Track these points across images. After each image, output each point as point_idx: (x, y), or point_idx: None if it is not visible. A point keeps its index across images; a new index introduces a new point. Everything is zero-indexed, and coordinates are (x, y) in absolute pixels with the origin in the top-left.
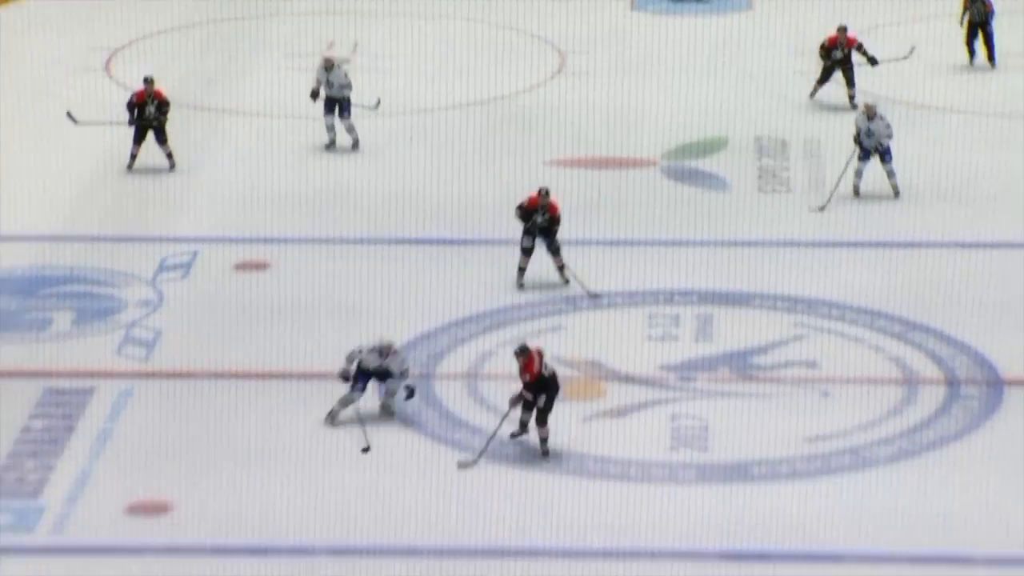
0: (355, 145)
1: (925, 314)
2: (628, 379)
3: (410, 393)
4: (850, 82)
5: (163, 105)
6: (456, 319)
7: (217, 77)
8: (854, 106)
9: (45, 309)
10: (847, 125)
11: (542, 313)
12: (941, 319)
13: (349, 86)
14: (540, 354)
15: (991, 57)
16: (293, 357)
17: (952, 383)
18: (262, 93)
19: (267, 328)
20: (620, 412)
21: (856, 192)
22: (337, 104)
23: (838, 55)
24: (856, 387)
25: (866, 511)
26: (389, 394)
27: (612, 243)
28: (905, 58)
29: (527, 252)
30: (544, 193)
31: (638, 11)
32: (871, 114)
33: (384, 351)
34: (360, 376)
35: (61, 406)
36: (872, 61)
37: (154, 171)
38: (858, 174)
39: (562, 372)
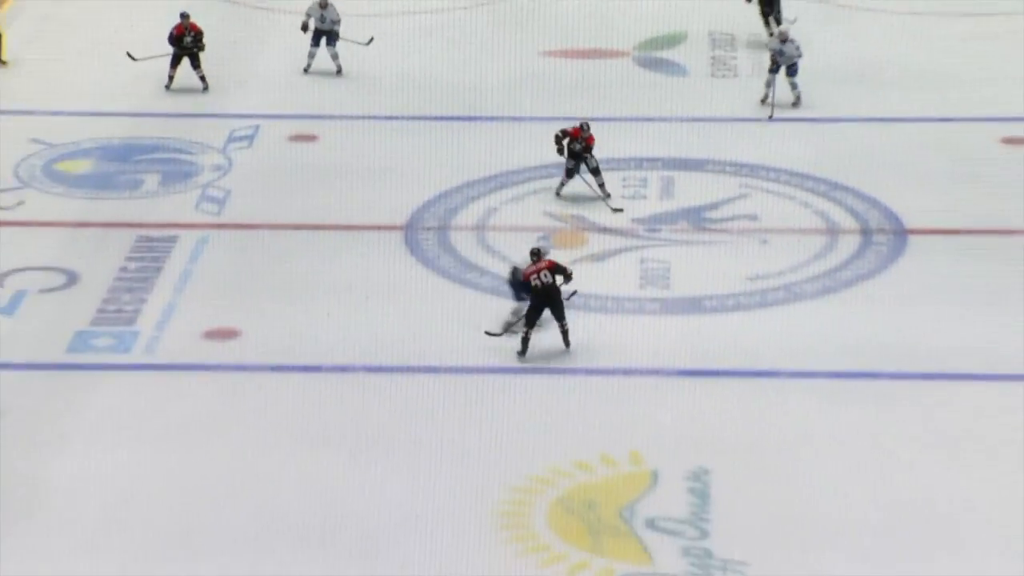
0: (338, 71)
1: (844, 176)
2: (605, 230)
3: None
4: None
5: (198, 35)
6: (467, 181)
7: None
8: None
9: (137, 172)
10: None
11: (536, 177)
12: (857, 180)
13: (339, 21)
14: (546, 265)
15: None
16: (338, 212)
17: (866, 232)
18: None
19: (316, 188)
20: (599, 257)
21: (763, 100)
22: (325, 36)
23: None
24: (789, 236)
25: (796, 336)
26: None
27: (593, 119)
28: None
29: (569, 173)
30: (585, 127)
31: None
32: (784, 39)
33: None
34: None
35: (151, 251)
36: None
37: (218, 59)
38: (768, 84)
39: (551, 225)
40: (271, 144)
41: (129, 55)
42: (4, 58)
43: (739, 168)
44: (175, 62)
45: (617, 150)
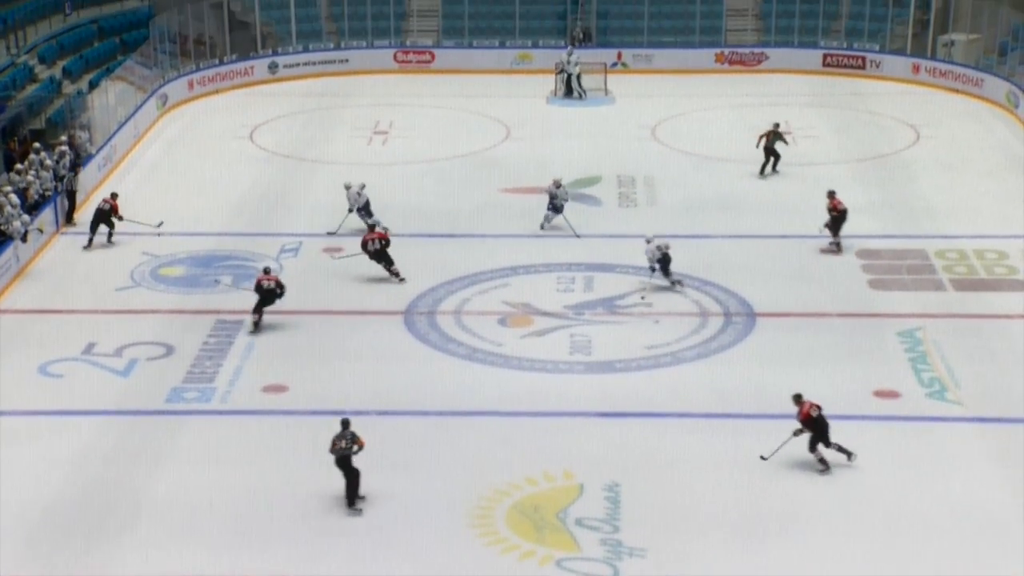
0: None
1: (712, 276)
2: (546, 313)
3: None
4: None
5: (280, 287)
6: (448, 280)
7: (313, 140)
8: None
9: (216, 274)
10: (670, 169)
11: (497, 276)
12: (720, 278)
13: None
14: (813, 404)
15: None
16: (356, 302)
17: (727, 315)
18: (337, 150)
19: (341, 285)
20: (541, 333)
21: (542, 227)
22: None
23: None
24: (674, 317)
25: (680, 388)
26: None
27: (536, 236)
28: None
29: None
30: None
31: (551, 105)
32: (558, 184)
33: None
34: None
35: (225, 330)
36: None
37: (276, 194)
38: (548, 219)
39: (506, 310)
40: (311, 254)
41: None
42: (74, 220)
43: (638, 270)
44: (257, 308)
45: (554, 258)
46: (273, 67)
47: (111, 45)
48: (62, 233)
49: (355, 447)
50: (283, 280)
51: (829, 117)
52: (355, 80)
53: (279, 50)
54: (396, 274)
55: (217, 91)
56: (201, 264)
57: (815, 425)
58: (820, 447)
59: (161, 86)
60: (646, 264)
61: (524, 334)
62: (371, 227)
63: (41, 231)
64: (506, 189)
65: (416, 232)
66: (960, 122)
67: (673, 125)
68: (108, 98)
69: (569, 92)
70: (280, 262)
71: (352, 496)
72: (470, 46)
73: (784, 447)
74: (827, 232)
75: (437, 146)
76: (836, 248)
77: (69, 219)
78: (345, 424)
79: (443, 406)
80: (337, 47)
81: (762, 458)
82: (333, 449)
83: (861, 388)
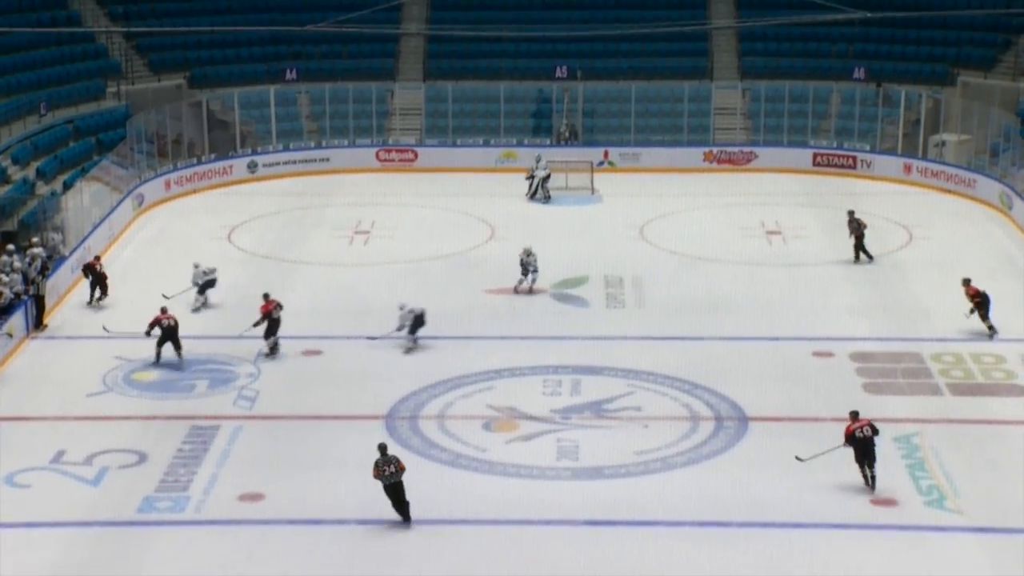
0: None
1: (702, 378)
2: (531, 418)
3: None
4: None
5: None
6: (432, 383)
7: (293, 241)
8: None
9: (191, 379)
10: (658, 269)
11: (481, 380)
12: (711, 381)
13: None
14: (863, 425)
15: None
16: (337, 406)
17: (718, 419)
18: (317, 251)
19: (322, 389)
20: (527, 437)
21: (515, 290)
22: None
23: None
24: (663, 422)
25: (670, 495)
26: None
27: (522, 338)
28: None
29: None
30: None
31: (535, 204)
32: (528, 252)
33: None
34: None
35: (200, 437)
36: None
37: (254, 297)
38: (521, 282)
39: (490, 415)
40: (289, 357)
41: (164, 295)
42: (43, 324)
43: (627, 373)
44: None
45: (539, 360)
46: (252, 166)
47: (87, 145)
48: (32, 338)
49: (402, 472)
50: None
51: (820, 217)
52: (336, 179)
53: (259, 149)
54: (180, 355)
55: (195, 191)
56: (177, 369)
57: (855, 444)
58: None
59: (137, 186)
60: (629, 366)
61: (509, 439)
62: (163, 310)
63: (10, 335)
64: (490, 290)
65: (398, 335)
66: (954, 223)
67: (661, 224)
68: (83, 199)
69: (535, 194)
70: (258, 365)
71: (407, 511)
72: (454, 144)
73: (823, 456)
74: (976, 317)
75: (420, 246)
76: (992, 332)
77: (39, 324)
78: (384, 449)
79: (425, 514)
80: (318, 146)
81: (798, 459)
82: (381, 476)
83: (858, 496)
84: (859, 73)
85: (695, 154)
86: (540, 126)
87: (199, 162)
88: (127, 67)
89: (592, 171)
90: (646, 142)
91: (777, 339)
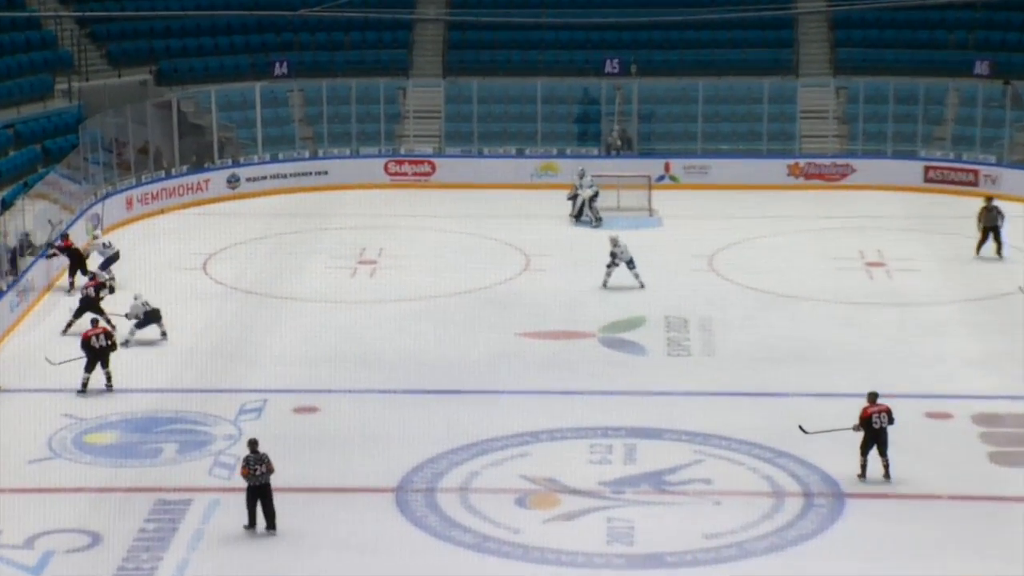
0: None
1: (787, 444)
2: (576, 492)
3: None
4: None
5: (112, 341)
6: (452, 448)
7: (282, 272)
8: None
9: (157, 442)
10: (731, 309)
11: (513, 444)
12: (799, 448)
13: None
14: (881, 411)
15: (999, 251)
16: (335, 476)
17: (807, 495)
18: (312, 285)
19: (317, 455)
20: (570, 516)
21: (604, 285)
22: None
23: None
24: (739, 498)
25: None
26: None
27: (563, 393)
28: None
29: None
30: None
31: (581, 228)
32: (615, 242)
33: None
34: None
35: (167, 513)
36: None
37: (234, 341)
38: (608, 275)
39: (525, 487)
40: (277, 416)
41: (48, 360)
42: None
43: (693, 437)
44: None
45: (586, 420)
46: (233, 181)
47: (30, 154)
48: None
49: (270, 474)
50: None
51: (933, 245)
52: (336, 196)
53: (241, 160)
54: (109, 377)
55: (163, 211)
56: (138, 429)
57: (868, 430)
58: (869, 455)
59: (92, 204)
60: (696, 428)
61: (548, 518)
62: (94, 322)
63: None
64: (525, 333)
65: (411, 387)
66: None
67: (735, 253)
68: (24, 220)
69: (580, 216)
70: (239, 425)
71: (274, 520)
72: (480, 154)
73: (830, 433)
74: None
75: (438, 279)
76: None
77: None
78: (254, 445)
79: None
80: (314, 156)
81: (801, 429)
82: (251, 476)
83: None
84: (981, 68)
85: (777, 167)
86: (586, 132)
87: (168, 175)
88: (80, 59)
89: (650, 188)
90: (716, 152)
91: (884, 396)
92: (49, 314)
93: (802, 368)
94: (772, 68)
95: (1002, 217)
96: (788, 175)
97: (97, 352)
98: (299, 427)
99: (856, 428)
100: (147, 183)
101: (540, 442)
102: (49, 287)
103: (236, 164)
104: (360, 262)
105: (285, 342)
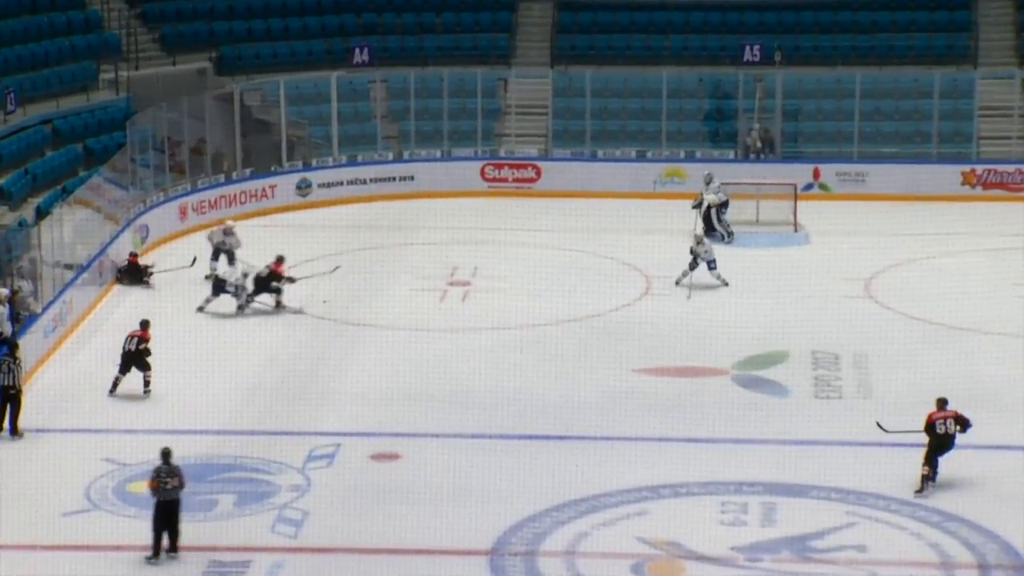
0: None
1: (958, 506)
2: (704, 559)
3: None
4: None
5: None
6: (556, 504)
7: (360, 294)
8: None
9: (212, 493)
10: (892, 343)
11: (630, 500)
12: (972, 511)
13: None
14: (949, 416)
15: None
16: (420, 535)
17: (983, 567)
18: (396, 309)
19: (398, 510)
20: None
21: (678, 283)
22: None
23: None
24: (900, 569)
25: None
26: None
27: (690, 440)
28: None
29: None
30: None
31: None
32: (699, 240)
33: None
34: None
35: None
36: None
37: (304, 374)
38: (685, 274)
39: (644, 552)
40: (352, 463)
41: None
42: (17, 429)
43: (845, 495)
44: None
45: (716, 474)
46: (304, 187)
47: (70, 154)
48: None
49: (180, 489)
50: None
51: None
52: (423, 206)
53: (313, 162)
54: (147, 382)
55: (222, 221)
56: (191, 476)
57: (933, 436)
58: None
59: (141, 213)
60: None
61: None
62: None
63: None
64: (645, 369)
65: (509, 432)
66: None
67: (896, 277)
68: (63, 231)
69: (709, 228)
70: (307, 474)
71: (177, 539)
72: (593, 157)
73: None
74: None
75: (542, 304)
76: None
77: (13, 430)
78: (167, 456)
79: None
80: (398, 158)
81: (880, 426)
82: (160, 490)
83: None
84: None
85: (949, 174)
86: (719, 132)
87: (228, 180)
88: (129, 44)
89: (796, 198)
90: (876, 156)
91: None
92: (90, 340)
93: (976, 415)
94: (945, 56)
95: None
96: (962, 184)
97: (129, 355)
98: (378, 477)
99: (923, 432)
100: (203, 189)
101: (661, 498)
102: (91, 309)
103: (308, 167)
104: (451, 283)
105: (362, 377)
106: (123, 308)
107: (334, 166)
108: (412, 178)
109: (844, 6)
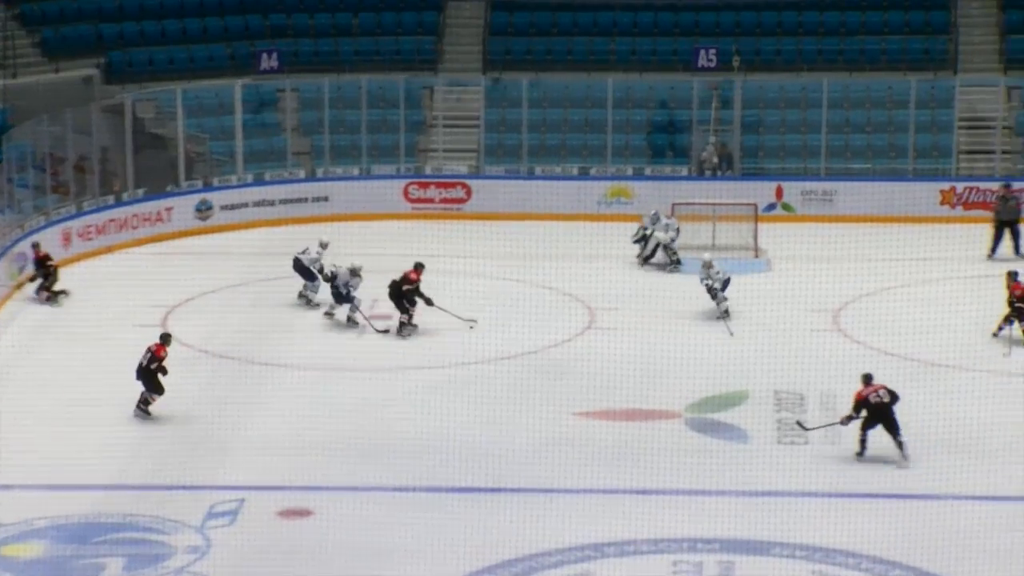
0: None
1: (940, 564)
2: None
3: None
4: None
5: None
6: (488, 565)
7: (267, 331)
8: None
9: (98, 556)
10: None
11: (571, 560)
12: (955, 569)
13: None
14: (881, 387)
15: (1017, 249)
16: None
17: None
18: (306, 347)
19: (309, 572)
20: None
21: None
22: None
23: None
24: None
25: None
26: None
27: (638, 492)
28: None
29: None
30: None
31: (657, 273)
32: (709, 265)
33: None
34: None
35: None
36: None
37: (202, 421)
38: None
39: None
40: (257, 521)
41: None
42: None
43: (811, 552)
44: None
45: (668, 530)
46: (204, 209)
47: None
48: None
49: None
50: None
51: None
52: (339, 230)
53: (215, 182)
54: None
55: (110, 248)
56: (72, 538)
57: (869, 409)
58: (870, 432)
59: (19, 240)
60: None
61: None
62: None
63: None
64: (588, 412)
65: (436, 484)
66: None
67: (869, 308)
68: None
69: (650, 257)
70: (206, 533)
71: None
72: (529, 175)
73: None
74: None
75: (473, 340)
76: None
77: None
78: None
79: None
80: (311, 176)
81: (800, 425)
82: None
83: None
84: None
85: (927, 193)
86: (671, 146)
87: (119, 202)
88: (6, 50)
89: (756, 220)
90: (845, 173)
91: None
92: None
93: (958, 461)
94: (922, 61)
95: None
96: (941, 204)
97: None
98: (286, 536)
99: (845, 421)
100: (91, 212)
101: (606, 558)
102: None
103: (208, 187)
104: (371, 317)
105: (270, 423)
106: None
107: (238, 186)
108: (326, 199)
109: (810, 6)
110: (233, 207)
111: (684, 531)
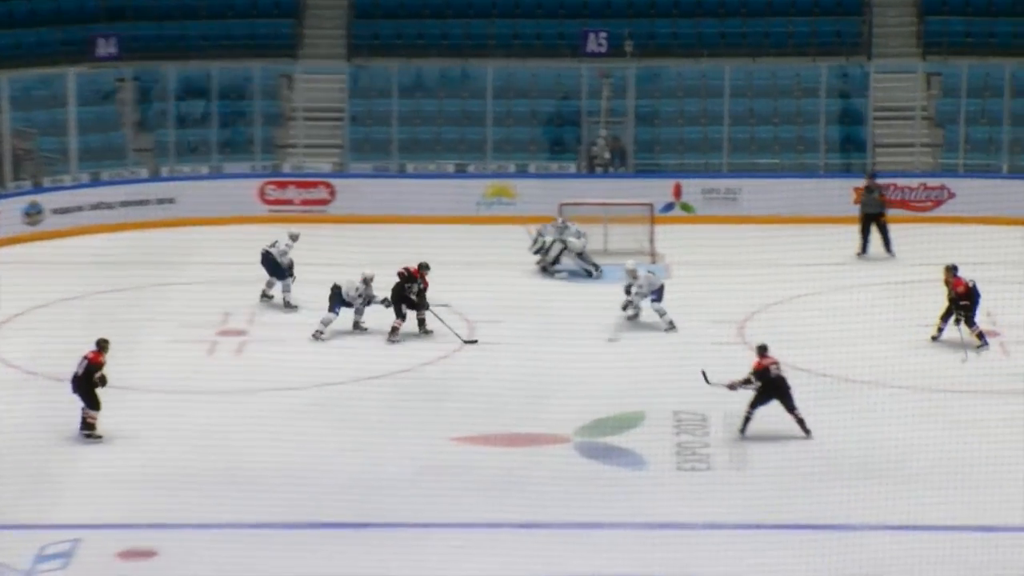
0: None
1: None
2: None
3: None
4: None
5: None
6: None
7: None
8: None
9: None
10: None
11: None
12: None
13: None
14: (773, 361)
15: (887, 245)
16: None
17: None
18: (151, 368)
19: None
20: None
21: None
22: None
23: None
24: None
25: None
26: None
27: (523, 526)
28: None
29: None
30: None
31: (551, 280)
32: (634, 274)
33: None
34: None
35: None
36: None
37: (31, 451)
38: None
39: None
40: (95, 563)
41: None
42: None
43: None
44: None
45: (557, 566)
46: (34, 212)
47: None
48: None
49: None
50: None
51: None
52: (187, 236)
53: (46, 182)
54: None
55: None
56: None
57: (767, 381)
58: (758, 408)
59: None
60: None
61: None
62: None
63: None
64: (467, 437)
65: (296, 520)
66: None
67: (777, 318)
68: None
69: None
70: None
71: None
72: (400, 173)
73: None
74: None
75: (337, 358)
76: (982, 344)
77: None
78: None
79: None
80: (155, 176)
81: (704, 377)
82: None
83: None
84: None
85: (839, 191)
86: (559, 140)
87: None
88: None
89: (652, 221)
90: (750, 169)
91: (993, 529)
92: None
93: (876, 488)
94: (832, 45)
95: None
96: (855, 203)
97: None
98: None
99: (737, 385)
100: None
101: None
102: None
103: (38, 188)
104: (221, 333)
105: (108, 454)
106: None
107: (72, 186)
108: (172, 201)
109: None
110: (66, 211)
111: (575, 567)
